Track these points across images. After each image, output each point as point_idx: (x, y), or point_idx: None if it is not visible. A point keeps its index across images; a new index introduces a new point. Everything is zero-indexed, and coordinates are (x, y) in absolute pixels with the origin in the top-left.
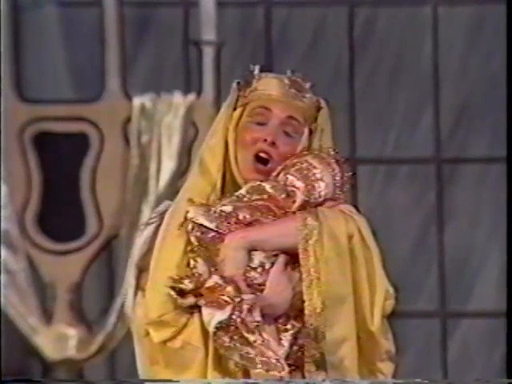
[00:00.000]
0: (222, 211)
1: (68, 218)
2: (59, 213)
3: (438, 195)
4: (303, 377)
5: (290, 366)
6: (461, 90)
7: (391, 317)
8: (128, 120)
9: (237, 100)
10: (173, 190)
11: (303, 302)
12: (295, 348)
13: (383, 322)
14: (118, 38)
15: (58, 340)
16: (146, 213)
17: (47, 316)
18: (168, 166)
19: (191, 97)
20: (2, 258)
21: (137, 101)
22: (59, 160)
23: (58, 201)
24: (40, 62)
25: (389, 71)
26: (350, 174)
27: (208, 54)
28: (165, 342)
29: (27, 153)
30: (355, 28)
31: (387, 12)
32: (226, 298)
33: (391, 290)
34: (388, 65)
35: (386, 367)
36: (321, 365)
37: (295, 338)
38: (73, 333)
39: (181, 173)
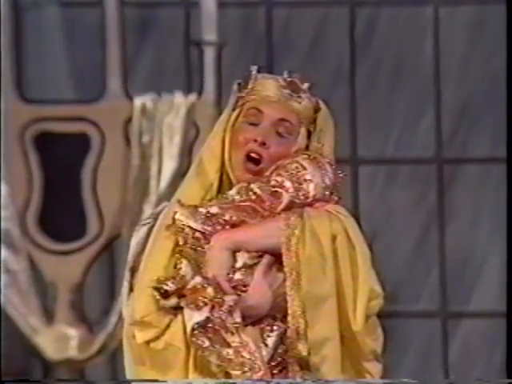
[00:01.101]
0: (208, 212)
1: (69, 218)
2: (60, 213)
3: (439, 195)
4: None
5: (276, 366)
6: (462, 90)
7: (392, 317)
8: (129, 120)
9: (236, 101)
10: (174, 191)
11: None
12: (281, 349)
13: (368, 322)
14: (119, 38)
15: (59, 340)
16: (148, 213)
17: (48, 316)
18: (169, 166)
19: (192, 97)
20: (3, 258)
21: (138, 101)
22: (60, 160)
23: (59, 201)
24: (41, 62)
25: (390, 71)
26: (343, 174)
27: (209, 54)
28: (148, 342)
29: (28, 153)
30: (356, 28)
31: (388, 12)
32: (204, 299)
33: (379, 289)
34: (389, 65)
35: (373, 367)
36: (304, 365)
37: (281, 338)
38: (74, 333)
39: (182, 173)
